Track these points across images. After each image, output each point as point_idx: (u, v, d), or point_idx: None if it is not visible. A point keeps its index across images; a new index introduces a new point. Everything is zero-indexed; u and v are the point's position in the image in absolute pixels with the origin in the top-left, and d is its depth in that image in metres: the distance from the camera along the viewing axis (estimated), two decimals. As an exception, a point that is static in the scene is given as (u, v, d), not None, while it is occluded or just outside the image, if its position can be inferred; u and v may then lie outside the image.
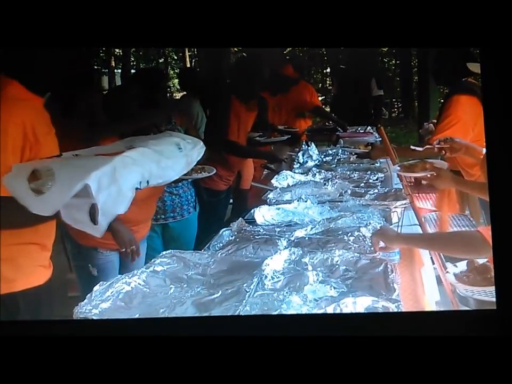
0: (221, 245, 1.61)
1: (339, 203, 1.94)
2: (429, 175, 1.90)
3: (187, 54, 11.89)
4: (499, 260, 1.04)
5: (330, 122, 4.48)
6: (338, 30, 1.08)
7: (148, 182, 1.29)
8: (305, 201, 1.92)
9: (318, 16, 1.07)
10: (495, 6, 1.03)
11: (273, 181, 2.33)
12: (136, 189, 1.25)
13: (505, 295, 1.04)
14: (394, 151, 2.72)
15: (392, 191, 2.13)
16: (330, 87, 12.17)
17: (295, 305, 1.12)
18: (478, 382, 1.01)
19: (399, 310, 1.09)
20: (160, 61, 13.67)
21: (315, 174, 2.45)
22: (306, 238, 1.59)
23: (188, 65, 11.54)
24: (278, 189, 2.22)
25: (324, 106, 8.93)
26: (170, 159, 1.36)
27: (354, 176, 2.42)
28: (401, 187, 2.23)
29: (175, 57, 13.64)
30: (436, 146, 1.98)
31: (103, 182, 1.13)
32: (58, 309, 1.51)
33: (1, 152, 1.18)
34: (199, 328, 1.09)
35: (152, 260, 1.43)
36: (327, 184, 2.21)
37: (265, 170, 3.25)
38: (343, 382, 1.02)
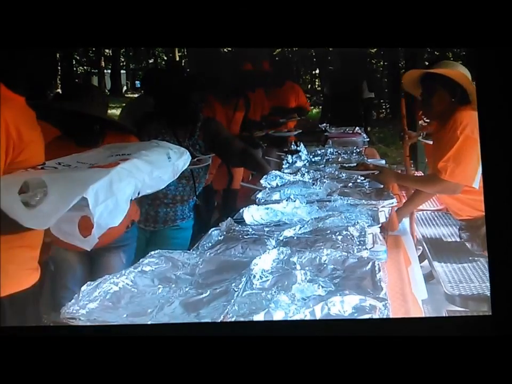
0: (210, 244, 1.61)
1: (327, 203, 1.95)
2: (375, 173, 2.13)
3: (177, 54, 11.86)
4: (494, 263, 1.05)
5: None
6: (331, 30, 1.09)
7: (139, 193, 1.29)
8: (294, 201, 1.93)
9: (309, 16, 1.08)
10: (489, 6, 1.04)
11: (262, 181, 2.33)
12: (130, 200, 1.26)
13: (500, 299, 1.05)
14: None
15: (380, 190, 2.15)
16: (319, 88, 12.22)
17: (283, 304, 1.12)
18: (474, 382, 1.02)
19: (387, 309, 1.10)
20: (150, 61, 13.63)
21: (304, 174, 2.46)
22: (295, 238, 1.59)
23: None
24: (267, 188, 2.22)
25: (312, 107, 8.96)
26: (160, 169, 1.36)
27: (343, 176, 2.43)
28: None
29: (165, 58, 13.60)
30: None
31: (100, 195, 1.13)
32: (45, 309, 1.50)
33: None
34: (187, 329, 1.09)
35: (140, 260, 1.43)
36: (315, 184, 2.22)
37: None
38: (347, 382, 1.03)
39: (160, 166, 1.36)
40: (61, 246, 1.87)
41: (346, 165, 2.43)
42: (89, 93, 1.85)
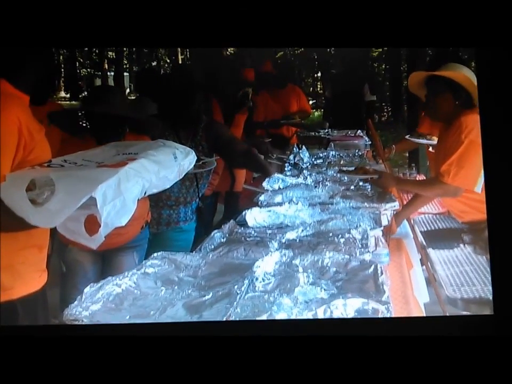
0: (212, 246, 1.62)
1: (329, 205, 1.95)
2: (374, 177, 2.12)
3: (179, 57, 11.89)
4: (496, 262, 1.05)
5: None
6: (333, 30, 1.09)
7: (145, 192, 1.30)
8: (296, 204, 1.93)
9: (311, 16, 1.08)
10: (490, 6, 1.05)
11: (264, 183, 2.33)
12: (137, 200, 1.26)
13: (502, 299, 1.05)
14: (381, 146, 2.81)
15: (382, 193, 2.15)
16: (321, 91, 12.23)
17: (286, 307, 1.13)
18: (474, 382, 1.02)
19: (389, 312, 1.10)
20: (153, 63, 13.66)
21: (306, 177, 2.46)
22: (297, 240, 1.60)
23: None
24: (269, 191, 2.22)
25: (314, 110, 8.94)
26: (167, 169, 1.37)
27: (345, 179, 2.43)
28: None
29: (168, 60, 13.65)
30: None
31: (108, 194, 1.13)
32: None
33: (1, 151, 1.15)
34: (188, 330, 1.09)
35: (143, 262, 1.43)
36: (317, 186, 2.22)
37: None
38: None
39: (166, 166, 1.36)
40: (74, 245, 1.86)
41: (345, 169, 2.44)
42: (116, 94, 1.88)
